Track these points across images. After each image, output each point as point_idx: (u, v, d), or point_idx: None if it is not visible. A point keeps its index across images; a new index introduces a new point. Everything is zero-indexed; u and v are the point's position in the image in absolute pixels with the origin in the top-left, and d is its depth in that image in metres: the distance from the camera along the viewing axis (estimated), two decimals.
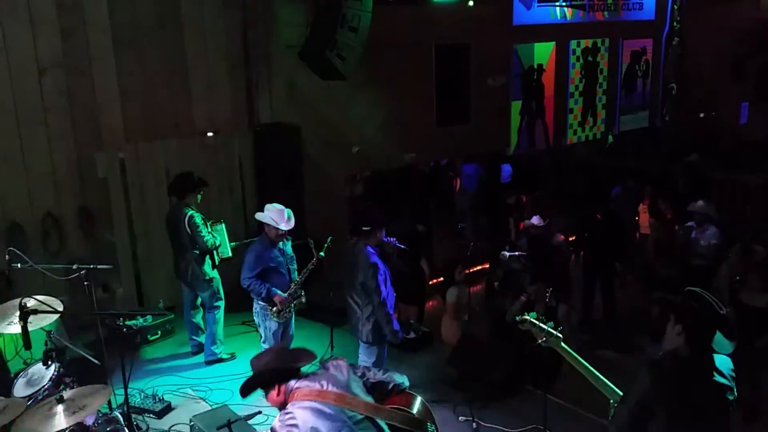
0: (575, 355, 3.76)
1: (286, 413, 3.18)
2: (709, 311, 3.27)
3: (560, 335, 3.81)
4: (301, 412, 3.16)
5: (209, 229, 6.68)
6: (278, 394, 3.32)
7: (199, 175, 6.99)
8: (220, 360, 6.83)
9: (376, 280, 5.49)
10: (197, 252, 6.63)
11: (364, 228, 5.65)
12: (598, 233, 8.68)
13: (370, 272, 5.50)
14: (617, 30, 12.96)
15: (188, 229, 6.53)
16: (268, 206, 6.04)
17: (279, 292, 5.98)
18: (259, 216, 6.04)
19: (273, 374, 3.35)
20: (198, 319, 7.05)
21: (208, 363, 6.83)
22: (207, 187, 6.99)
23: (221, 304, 6.88)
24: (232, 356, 6.93)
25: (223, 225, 7.06)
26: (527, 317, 3.91)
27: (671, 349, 3.28)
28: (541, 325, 3.86)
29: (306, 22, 8.47)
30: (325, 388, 3.29)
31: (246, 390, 3.40)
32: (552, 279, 7.50)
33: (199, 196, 6.78)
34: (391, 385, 3.74)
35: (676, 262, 8.60)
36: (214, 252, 6.74)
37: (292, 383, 3.31)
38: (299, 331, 6.55)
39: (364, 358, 5.80)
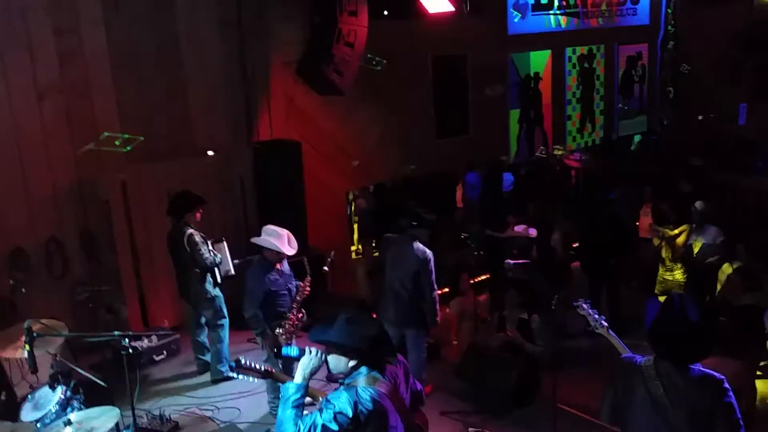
0: (618, 339, 4.34)
1: (365, 390, 3.15)
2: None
3: (605, 323, 4.44)
4: (376, 402, 3.14)
5: (209, 247, 6.67)
6: (352, 368, 3.23)
7: (201, 193, 6.97)
8: (227, 378, 6.77)
9: (431, 272, 6.14)
10: (198, 270, 6.62)
11: (413, 223, 6.33)
12: (601, 238, 8.64)
13: (428, 265, 6.13)
14: (612, 36, 13.02)
15: (188, 248, 6.52)
16: (266, 229, 5.93)
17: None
18: (258, 241, 5.91)
19: (368, 355, 3.24)
20: (203, 338, 7.03)
21: (215, 382, 6.80)
22: (205, 204, 6.93)
23: (225, 322, 6.85)
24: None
25: (224, 243, 7.06)
26: (581, 304, 4.59)
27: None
28: (592, 314, 4.51)
29: (302, 39, 8.52)
30: (393, 388, 3.27)
31: (326, 345, 3.28)
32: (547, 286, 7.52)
33: (199, 214, 6.76)
34: (422, 399, 3.71)
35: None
36: (216, 270, 6.72)
37: (364, 368, 3.24)
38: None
39: (413, 348, 6.24)
